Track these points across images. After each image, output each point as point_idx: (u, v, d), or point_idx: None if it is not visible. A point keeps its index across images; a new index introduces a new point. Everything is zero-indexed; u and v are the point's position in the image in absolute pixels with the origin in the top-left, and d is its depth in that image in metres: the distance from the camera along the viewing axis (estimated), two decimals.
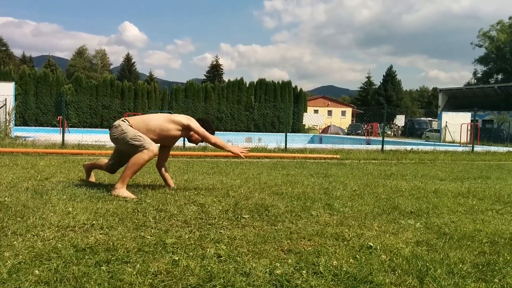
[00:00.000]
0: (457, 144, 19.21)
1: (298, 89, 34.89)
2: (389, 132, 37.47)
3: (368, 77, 64.48)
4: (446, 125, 24.25)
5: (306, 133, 33.75)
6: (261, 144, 12.24)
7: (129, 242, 2.54)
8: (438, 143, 20.40)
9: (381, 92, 58.66)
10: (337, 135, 33.38)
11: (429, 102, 75.35)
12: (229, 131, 30.20)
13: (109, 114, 29.09)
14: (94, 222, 2.97)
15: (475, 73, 58.27)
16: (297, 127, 33.81)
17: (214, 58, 62.11)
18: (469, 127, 23.30)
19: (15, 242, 2.46)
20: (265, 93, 33.36)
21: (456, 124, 24.04)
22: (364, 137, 28.14)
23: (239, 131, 30.75)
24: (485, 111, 31.83)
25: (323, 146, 13.36)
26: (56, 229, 2.78)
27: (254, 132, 30.41)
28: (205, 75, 61.23)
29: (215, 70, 60.94)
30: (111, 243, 2.50)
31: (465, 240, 2.88)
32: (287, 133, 12.38)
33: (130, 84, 31.28)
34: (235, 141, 15.22)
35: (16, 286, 1.88)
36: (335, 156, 9.90)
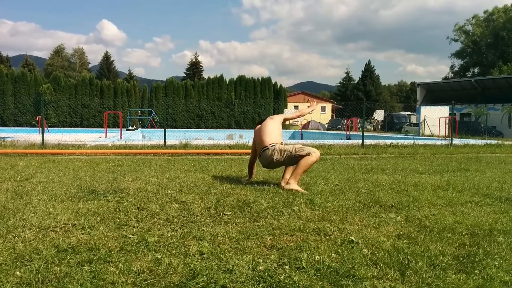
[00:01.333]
0: (436, 138, 19.57)
1: (278, 85, 35.00)
2: (369, 127, 37.94)
3: (347, 72, 65.12)
4: (425, 119, 24.69)
5: (287, 129, 33.90)
6: (242, 141, 12.24)
7: (111, 242, 2.51)
8: (417, 137, 20.75)
9: (360, 87, 59.32)
10: (317, 131, 33.62)
11: (408, 97, 76.58)
12: (210, 128, 30.12)
13: (88, 113, 28.64)
14: (75, 222, 2.93)
15: (452, 67, 59.53)
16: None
17: (194, 55, 61.58)
18: (447, 121, 23.79)
19: None
20: (245, 89, 33.37)
21: (435, 117, 24.49)
22: (345, 132, 28.43)
23: (220, 128, 30.71)
24: (463, 105, 32.49)
25: (304, 141, 13.44)
26: (37, 230, 2.74)
27: (235, 129, 30.38)
28: (184, 72, 60.76)
29: (194, 67, 60.51)
30: (93, 243, 2.47)
31: (445, 233, 2.94)
32: None
33: (110, 82, 30.87)
34: (216, 138, 15.18)
35: None
36: None
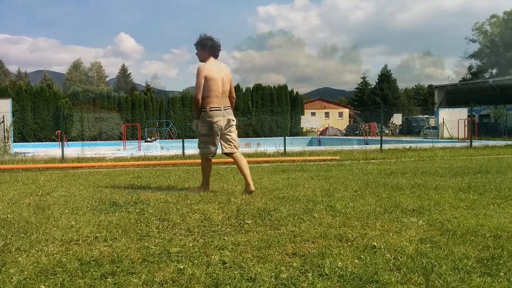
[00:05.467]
0: (455, 140, 19.23)
1: (295, 93, 34.99)
2: (387, 131, 37.51)
3: (364, 77, 64.65)
4: (443, 122, 24.29)
5: (304, 136, 33.82)
6: (260, 149, 12.25)
7: (133, 253, 2.54)
8: (436, 140, 20.45)
9: (377, 91, 58.79)
10: (335, 137, 33.43)
11: (425, 100, 75.45)
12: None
13: (107, 126, 29.10)
14: (97, 234, 2.97)
15: (470, 68, 58.51)
16: (296, 131, 33.82)
17: None
18: (466, 123, 23.36)
19: (20, 258, 2.46)
20: (262, 98, 33.47)
21: (453, 120, 24.08)
22: (363, 137, 28.18)
23: (238, 138, 30.77)
24: (482, 106, 31.89)
25: (322, 148, 13.37)
26: (60, 243, 2.78)
27: (253, 137, 30.43)
28: None
29: None
30: (115, 255, 2.50)
31: (468, 235, 2.89)
32: (286, 137, 12.38)
33: (127, 95, 31.35)
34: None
35: None
36: (334, 157, 9.91)
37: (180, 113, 31.04)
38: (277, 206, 3.89)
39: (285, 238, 2.84)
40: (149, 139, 25.20)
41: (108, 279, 2.13)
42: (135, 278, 2.14)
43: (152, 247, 2.67)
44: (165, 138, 28.33)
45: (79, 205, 4.06)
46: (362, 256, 2.45)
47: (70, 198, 4.52)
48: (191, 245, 2.71)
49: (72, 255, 2.52)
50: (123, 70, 57.57)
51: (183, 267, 2.28)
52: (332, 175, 6.48)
